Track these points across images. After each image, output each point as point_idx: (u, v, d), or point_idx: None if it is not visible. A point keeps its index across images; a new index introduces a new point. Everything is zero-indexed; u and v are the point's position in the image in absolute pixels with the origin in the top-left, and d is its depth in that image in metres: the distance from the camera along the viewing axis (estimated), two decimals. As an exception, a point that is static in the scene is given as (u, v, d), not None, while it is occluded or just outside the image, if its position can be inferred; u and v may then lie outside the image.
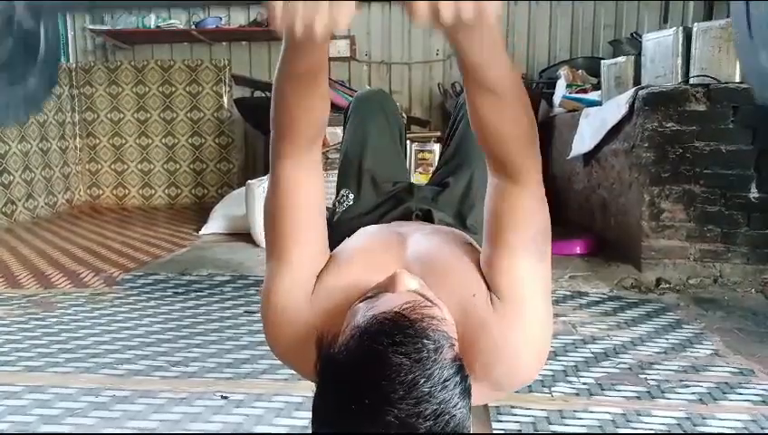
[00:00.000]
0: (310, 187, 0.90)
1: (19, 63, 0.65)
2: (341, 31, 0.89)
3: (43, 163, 4.59)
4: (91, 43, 5.05)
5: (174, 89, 4.95)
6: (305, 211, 0.90)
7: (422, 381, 0.61)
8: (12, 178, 4.23)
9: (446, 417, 0.62)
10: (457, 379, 0.65)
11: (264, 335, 0.93)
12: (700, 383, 1.66)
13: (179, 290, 2.59)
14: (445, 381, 0.63)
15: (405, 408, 0.60)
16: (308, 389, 1.60)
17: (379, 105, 1.54)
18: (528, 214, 0.85)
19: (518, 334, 0.82)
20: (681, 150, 2.53)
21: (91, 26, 4.86)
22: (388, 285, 0.77)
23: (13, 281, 2.71)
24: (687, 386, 1.64)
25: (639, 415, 1.49)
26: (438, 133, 4.30)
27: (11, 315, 2.26)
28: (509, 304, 0.83)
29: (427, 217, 1.34)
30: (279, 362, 0.97)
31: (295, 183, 0.88)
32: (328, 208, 1.44)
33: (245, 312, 2.30)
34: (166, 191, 5.08)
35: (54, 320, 2.21)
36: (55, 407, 1.54)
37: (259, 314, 0.94)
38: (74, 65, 4.98)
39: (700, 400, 1.57)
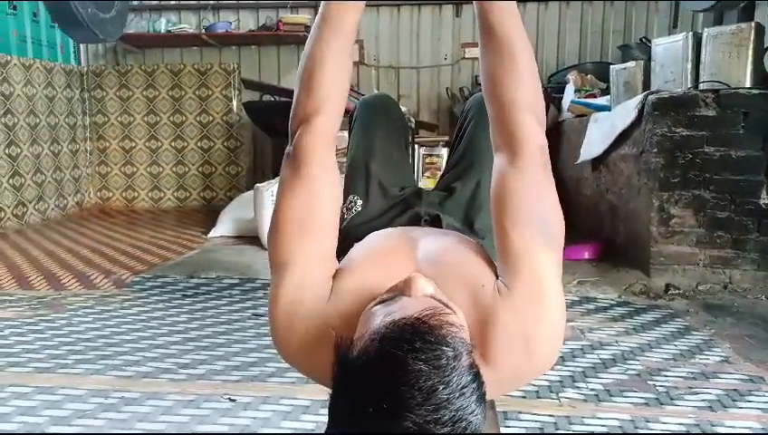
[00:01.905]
0: (328, 184, 0.93)
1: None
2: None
3: (54, 166, 4.63)
4: (102, 47, 5.10)
5: (183, 92, 4.98)
6: (323, 207, 0.91)
7: (441, 387, 0.62)
8: (23, 180, 4.27)
9: (463, 423, 0.62)
10: (474, 386, 0.65)
11: (271, 339, 0.94)
12: (709, 390, 1.64)
13: (188, 292, 2.60)
14: (462, 387, 0.63)
15: (423, 414, 0.60)
16: (315, 392, 1.61)
17: (384, 109, 1.54)
18: (529, 193, 0.88)
19: (529, 321, 0.82)
20: (691, 156, 2.52)
21: (102, 30, 4.90)
22: (404, 289, 0.77)
23: (23, 282, 2.74)
24: (696, 393, 1.63)
25: (648, 422, 1.48)
26: (446, 138, 4.31)
27: (21, 316, 2.28)
28: (518, 290, 0.84)
29: (435, 222, 1.34)
30: (286, 365, 0.98)
31: (315, 173, 0.92)
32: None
33: (253, 315, 2.31)
34: (175, 194, 5.11)
35: (64, 321, 2.23)
36: (65, 408, 1.56)
37: (266, 318, 0.94)
38: (85, 69, 5.03)
39: (709, 407, 1.55)
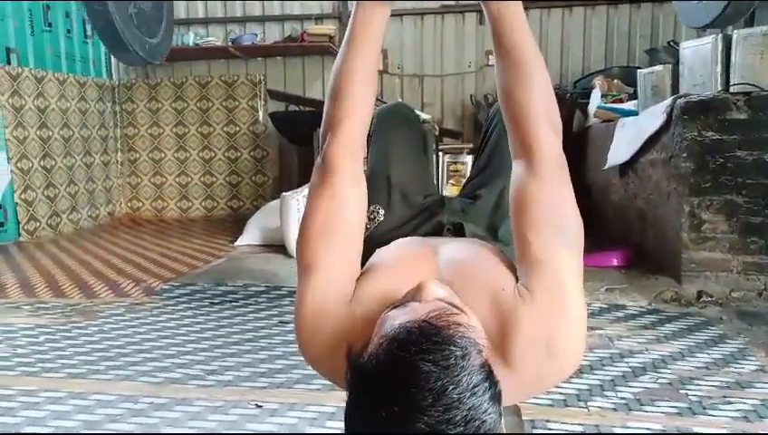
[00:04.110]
0: (356, 194, 0.96)
1: (153, 22, 0.99)
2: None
3: (87, 177, 4.75)
4: (133, 61, 5.22)
5: (211, 104, 5.07)
6: (349, 217, 0.94)
7: (451, 387, 0.62)
8: (57, 191, 4.39)
9: (477, 423, 0.62)
10: (486, 385, 0.65)
11: (297, 346, 0.95)
12: (745, 400, 1.60)
13: (215, 300, 2.64)
14: (474, 387, 0.63)
15: (434, 415, 0.60)
16: (340, 399, 1.61)
17: (402, 118, 1.55)
18: (548, 200, 0.89)
19: (551, 324, 0.82)
20: (722, 160, 2.46)
21: (132, 45, 5.03)
22: (415, 294, 0.77)
23: (57, 290, 2.81)
24: (731, 403, 1.58)
25: (680, 432, 1.44)
26: (471, 145, 4.29)
27: (55, 323, 2.34)
28: (538, 295, 0.84)
29: (458, 231, 1.34)
30: (312, 371, 0.98)
31: (345, 184, 0.95)
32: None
33: (279, 322, 2.33)
34: (203, 204, 5.20)
35: (96, 328, 2.28)
36: (96, 413, 1.59)
37: (292, 325, 0.95)
38: (117, 82, 5.16)
39: (745, 417, 1.51)
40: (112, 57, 5.19)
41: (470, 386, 0.63)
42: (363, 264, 1.00)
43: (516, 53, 0.96)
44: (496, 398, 0.66)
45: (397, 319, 0.72)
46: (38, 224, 4.21)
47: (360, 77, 1.00)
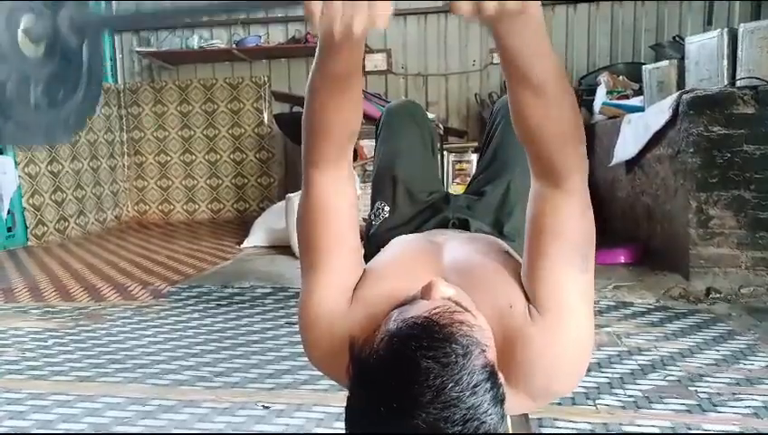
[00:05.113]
0: (339, 199, 0.90)
1: (62, 85, 0.67)
2: (378, 34, 0.88)
3: (94, 181, 4.78)
4: (138, 65, 5.25)
5: (216, 106, 5.09)
6: (337, 222, 0.90)
7: (450, 385, 0.61)
8: (65, 195, 4.42)
9: (476, 423, 0.61)
10: (488, 385, 0.64)
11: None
12: (755, 397, 1.58)
13: (222, 302, 2.64)
14: (474, 386, 0.62)
15: (433, 412, 0.60)
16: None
17: (410, 115, 1.54)
18: (571, 221, 0.82)
19: (557, 347, 0.80)
20: (729, 155, 2.45)
21: (137, 48, 5.06)
22: (423, 294, 0.77)
23: (65, 294, 2.82)
24: (741, 399, 1.57)
25: (689, 429, 1.43)
26: (476, 144, 4.28)
27: (64, 327, 2.35)
28: (549, 316, 0.81)
29: (464, 227, 1.33)
30: (318, 372, 0.98)
31: (326, 194, 0.89)
32: (364, 220, 1.45)
33: (286, 323, 2.33)
34: (209, 206, 5.21)
35: (104, 331, 2.29)
36: (105, 415, 1.60)
37: (299, 326, 0.95)
38: (122, 86, 5.19)
39: (755, 414, 1.50)
40: (118, 61, 5.22)
41: (470, 385, 0.62)
42: (368, 260, 0.99)
43: (527, 70, 0.74)
44: (498, 399, 0.65)
45: (400, 315, 0.72)
46: (46, 228, 4.24)
47: (334, 107, 0.83)
